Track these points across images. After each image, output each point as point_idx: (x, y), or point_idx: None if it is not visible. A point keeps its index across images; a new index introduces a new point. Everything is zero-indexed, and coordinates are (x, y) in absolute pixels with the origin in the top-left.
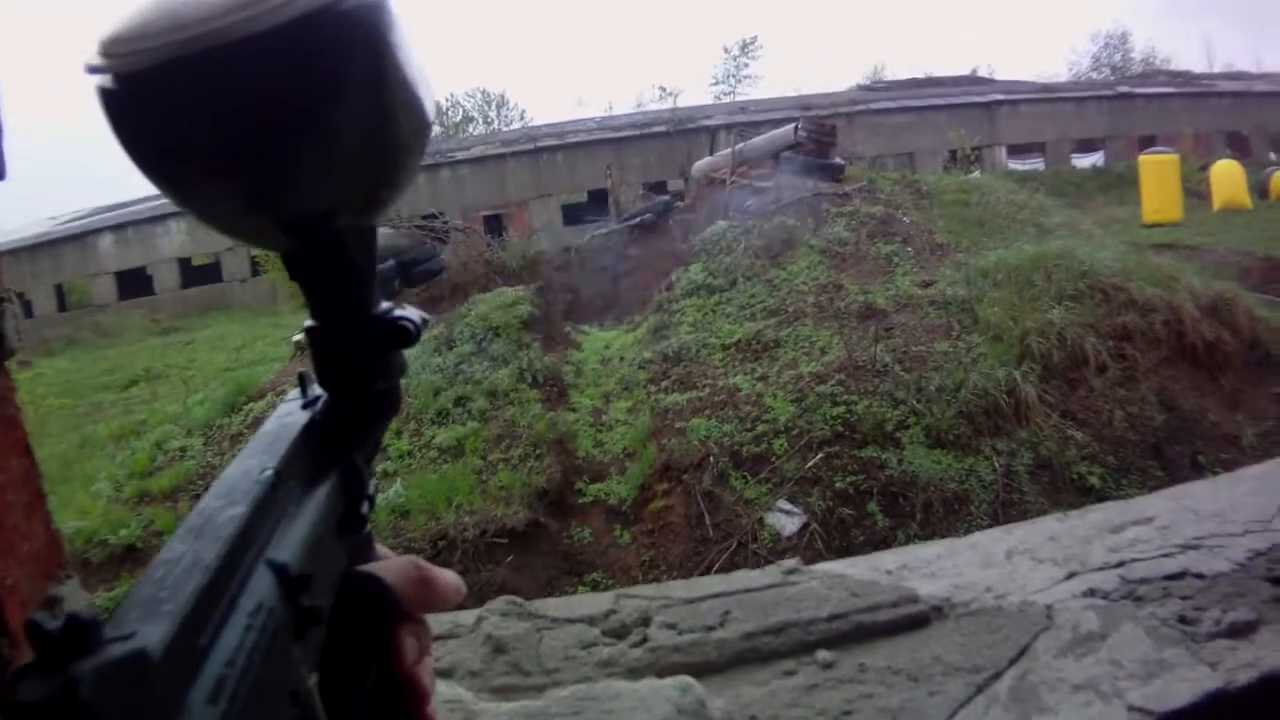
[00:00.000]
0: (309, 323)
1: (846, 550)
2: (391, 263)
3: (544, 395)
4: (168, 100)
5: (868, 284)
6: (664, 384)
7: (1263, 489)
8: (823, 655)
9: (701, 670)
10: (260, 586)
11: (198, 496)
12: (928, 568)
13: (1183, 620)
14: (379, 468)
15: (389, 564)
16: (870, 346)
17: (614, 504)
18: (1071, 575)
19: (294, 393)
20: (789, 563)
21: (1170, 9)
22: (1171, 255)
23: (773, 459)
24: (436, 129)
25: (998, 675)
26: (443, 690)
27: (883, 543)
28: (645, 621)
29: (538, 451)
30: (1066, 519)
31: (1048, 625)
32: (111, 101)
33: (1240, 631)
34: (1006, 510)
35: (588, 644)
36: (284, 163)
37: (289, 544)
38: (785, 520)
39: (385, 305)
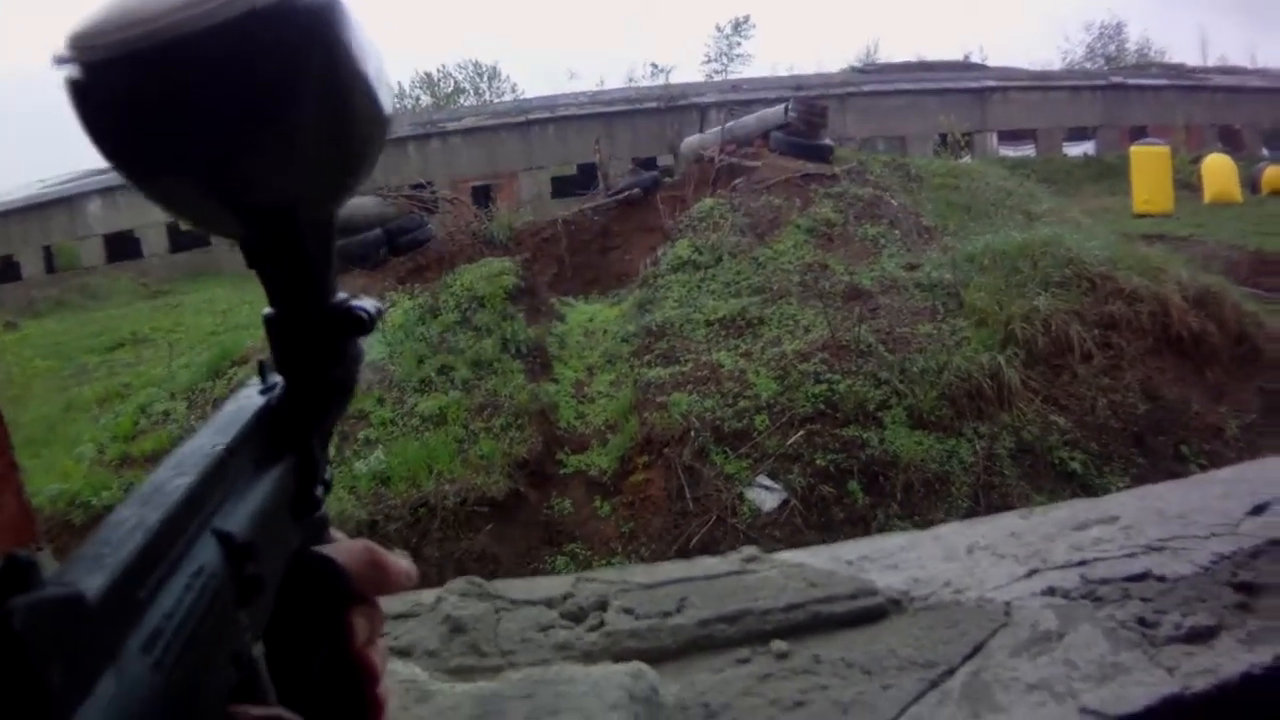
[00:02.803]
0: (267, 310)
1: (826, 527)
2: (379, 231)
3: (527, 366)
4: (128, 91)
5: (854, 265)
6: (647, 358)
7: (1231, 492)
8: (777, 645)
9: (656, 656)
10: (204, 552)
11: None
12: (889, 559)
13: (1142, 623)
14: (360, 434)
15: (341, 546)
16: (854, 327)
17: (594, 476)
18: (1032, 573)
19: (254, 379)
20: (749, 550)
21: (1166, 1)
22: (1161, 246)
23: (754, 435)
24: (427, 99)
25: (951, 671)
26: (399, 669)
27: (862, 521)
28: (603, 606)
29: (519, 422)
30: (1031, 515)
31: (1005, 623)
32: (76, 92)
33: (1200, 636)
34: (987, 493)
35: (545, 626)
36: (240, 154)
37: (236, 516)
38: (765, 496)
39: (342, 295)
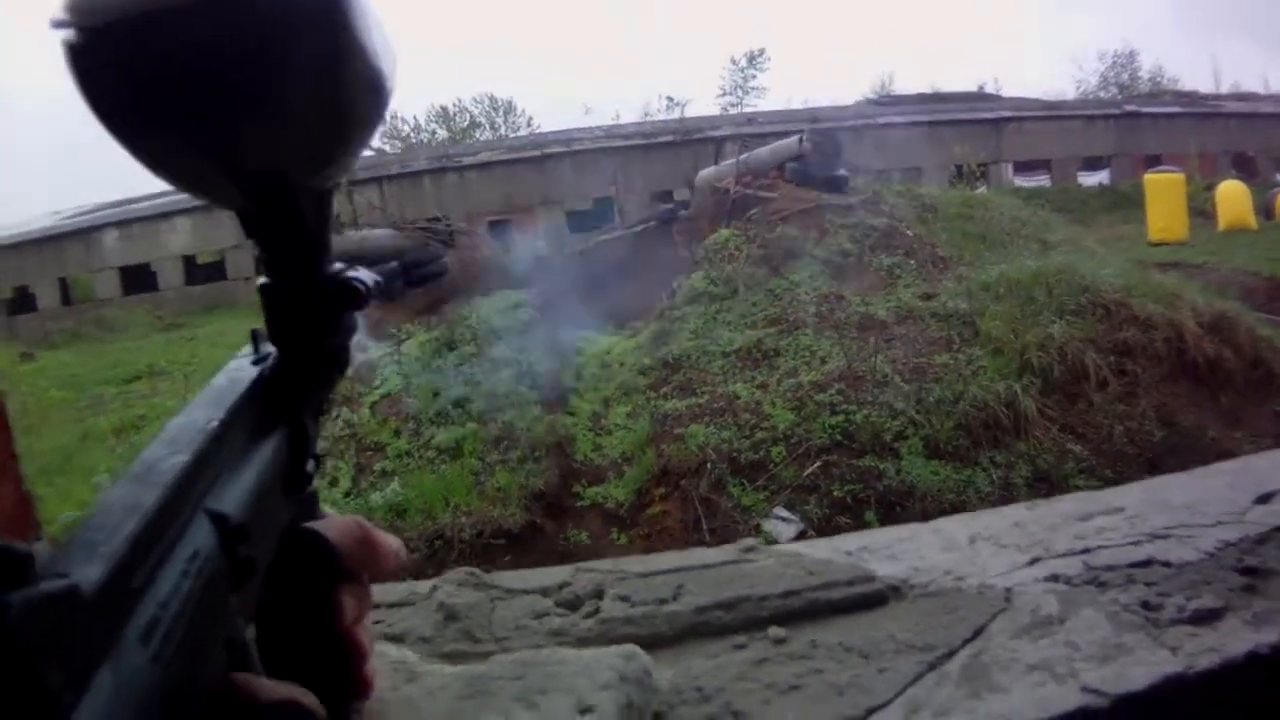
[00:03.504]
0: (262, 280)
1: None
2: (395, 264)
3: (543, 399)
4: (128, 54)
5: (869, 295)
6: (664, 390)
7: (1238, 482)
8: (774, 631)
9: (652, 642)
10: (198, 534)
11: None
12: (888, 550)
13: (1146, 606)
14: (377, 466)
15: (333, 522)
16: (870, 357)
17: (611, 508)
18: (1035, 561)
19: (246, 349)
20: (747, 541)
21: (1179, 29)
22: (1176, 274)
23: (771, 466)
24: (443, 134)
25: (951, 654)
26: (391, 653)
27: None
28: (599, 594)
29: (536, 454)
30: (1035, 507)
31: (1005, 607)
32: (75, 55)
33: (1204, 618)
34: None
35: (540, 614)
36: (239, 120)
37: (230, 494)
38: (782, 527)
39: (338, 266)
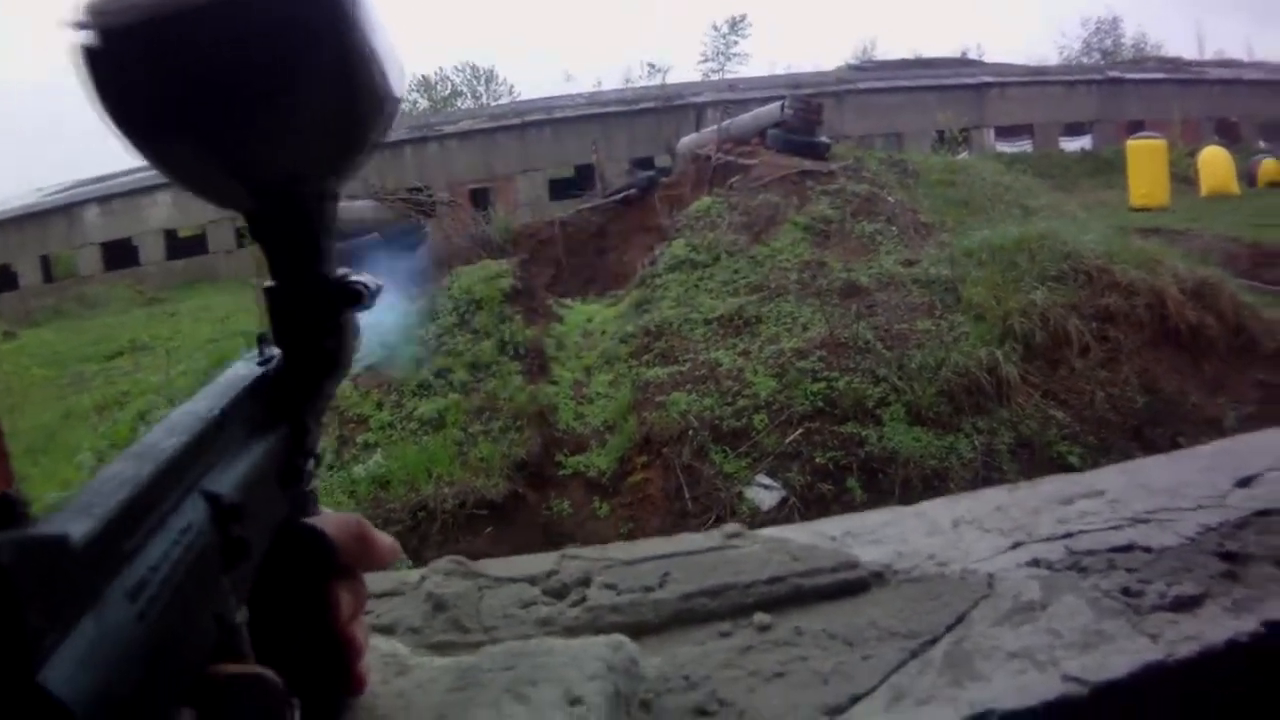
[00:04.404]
0: (267, 283)
1: None
2: (375, 235)
3: (525, 368)
4: (143, 58)
5: (851, 262)
6: (645, 358)
7: (1218, 465)
8: (759, 618)
9: (638, 630)
10: (191, 510)
11: None
12: (871, 535)
13: (1126, 592)
14: (359, 438)
15: (330, 518)
16: (852, 324)
17: (593, 476)
18: (1017, 545)
19: (251, 350)
20: (732, 526)
21: None
22: (1158, 239)
23: (753, 433)
24: (424, 103)
25: (934, 641)
26: (381, 645)
27: None
28: (585, 582)
29: (518, 424)
30: (1017, 490)
31: (988, 594)
32: (91, 58)
33: (1184, 605)
34: (987, 488)
35: (527, 603)
36: (250, 125)
37: (226, 479)
38: (764, 494)
39: (341, 270)
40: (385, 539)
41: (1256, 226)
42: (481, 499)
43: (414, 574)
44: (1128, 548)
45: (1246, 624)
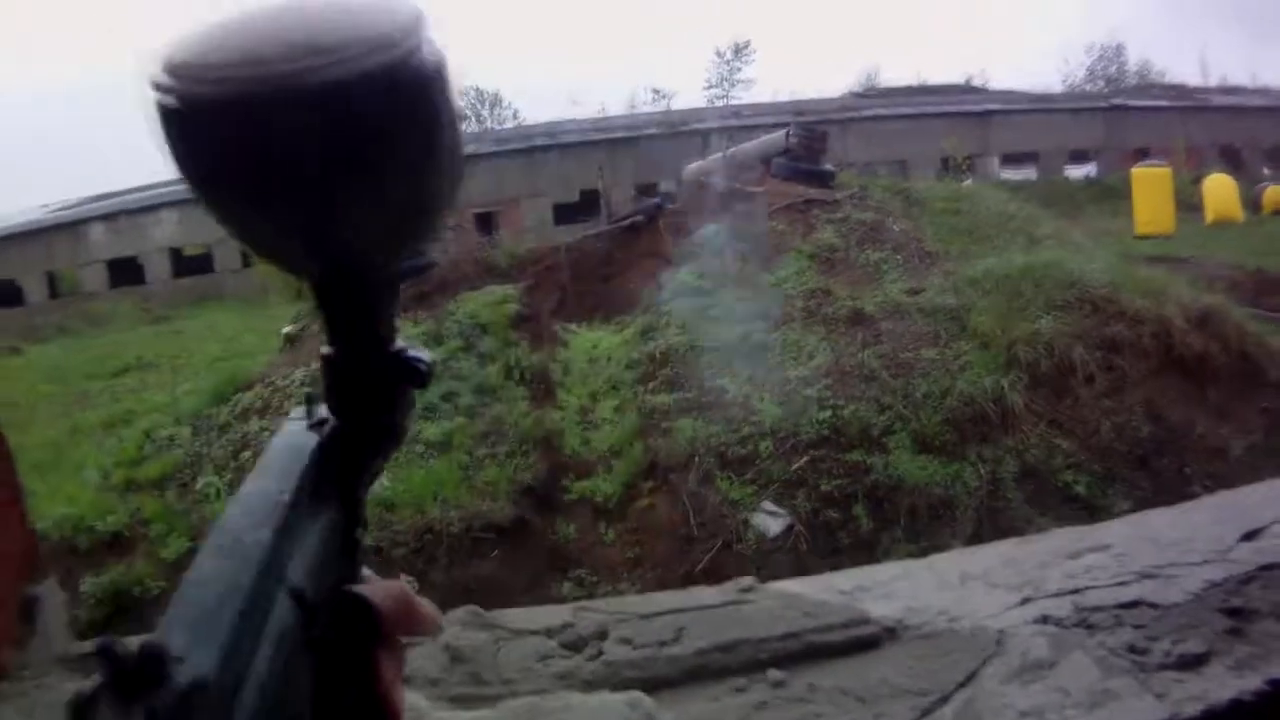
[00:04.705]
0: (325, 349)
1: (831, 552)
2: None
3: (531, 393)
4: (231, 131)
5: (856, 290)
6: (651, 384)
7: (1224, 517)
8: (773, 674)
9: (655, 685)
10: (282, 613)
11: (184, 485)
12: (883, 589)
13: (1133, 650)
14: None
15: (378, 586)
16: (858, 352)
17: (600, 502)
18: (1025, 601)
19: (298, 411)
20: (746, 580)
21: (1166, 20)
22: (1163, 267)
23: (758, 460)
24: None
25: (945, 699)
26: None
27: (867, 546)
28: (602, 635)
29: (524, 448)
30: (1025, 543)
31: (997, 651)
32: (174, 123)
33: (1190, 663)
34: (991, 517)
35: (545, 655)
36: (331, 204)
37: (304, 570)
38: (770, 521)
39: (400, 344)
40: (428, 608)
41: (1260, 254)
42: (488, 523)
43: None
44: (1134, 604)
45: (1250, 682)
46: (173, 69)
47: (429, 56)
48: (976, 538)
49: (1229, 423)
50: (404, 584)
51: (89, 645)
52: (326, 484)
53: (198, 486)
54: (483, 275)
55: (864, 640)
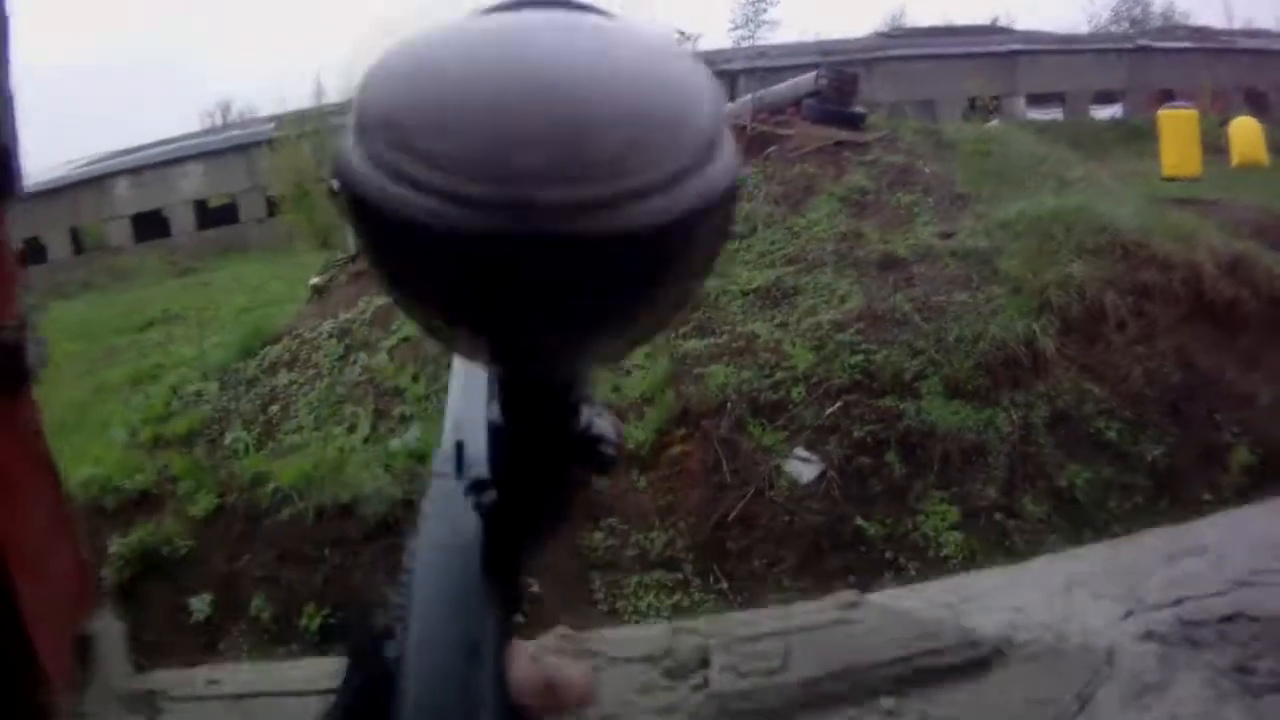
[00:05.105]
0: (493, 416)
1: (864, 499)
2: None
3: None
4: (484, 266)
5: (888, 233)
6: (683, 330)
7: None
8: (885, 702)
9: (764, 718)
10: None
11: (212, 441)
12: (985, 600)
13: (1240, 670)
14: (395, 411)
15: (518, 670)
16: (890, 296)
17: (631, 449)
18: (1129, 614)
19: (444, 458)
20: (848, 595)
21: None
22: (1191, 210)
23: (791, 406)
24: None
25: None
26: None
27: (900, 493)
28: (704, 662)
29: None
30: (1122, 545)
31: (1108, 672)
32: (400, 233)
33: None
34: (1024, 463)
35: (646, 687)
36: (568, 342)
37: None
38: (803, 468)
39: (585, 416)
40: (576, 681)
41: None
42: None
43: None
44: (1235, 617)
45: None
46: (417, 159)
47: (732, 164)
48: (1009, 485)
49: (1259, 369)
50: (548, 670)
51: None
52: (496, 571)
53: (226, 442)
54: None
55: (975, 662)
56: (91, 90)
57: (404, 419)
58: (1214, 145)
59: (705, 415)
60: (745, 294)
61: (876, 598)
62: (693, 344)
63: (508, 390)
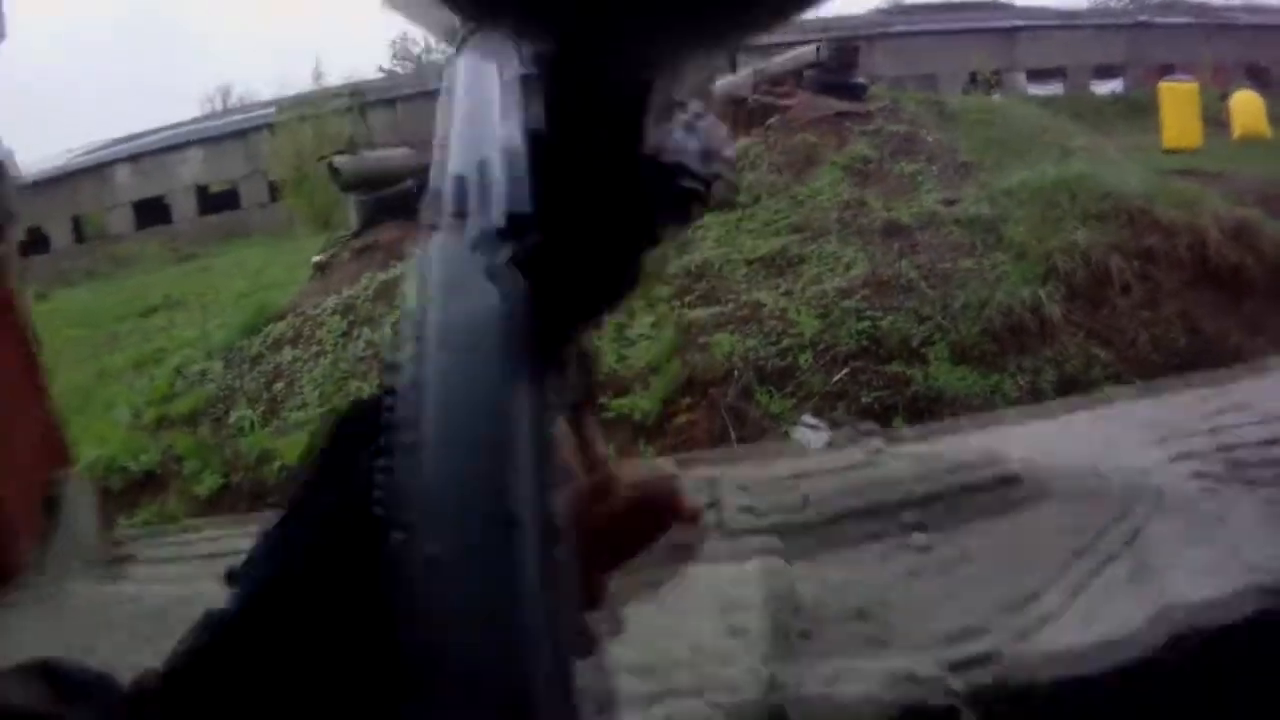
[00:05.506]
0: (534, 125)
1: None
2: (410, 183)
3: None
4: None
5: (892, 201)
6: (688, 299)
7: None
8: (918, 538)
9: (786, 555)
10: None
11: (217, 420)
12: (1020, 444)
13: None
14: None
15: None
16: (895, 263)
17: (638, 419)
18: (1177, 457)
19: (438, 203)
20: (874, 442)
21: None
22: (1193, 180)
23: (798, 374)
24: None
25: (1111, 559)
26: None
27: None
28: (713, 502)
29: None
30: (1160, 400)
31: (1158, 505)
32: None
33: None
34: None
35: None
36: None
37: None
38: (811, 435)
39: (670, 134)
40: (680, 496)
41: None
42: None
43: None
44: None
45: None
46: None
47: None
48: None
49: (1264, 334)
50: (641, 483)
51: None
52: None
53: (231, 420)
54: None
55: (1013, 500)
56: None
57: None
58: (1215, 119)
59: (712, 384)
60: (750, 263)
61: (904, 447)
62: (698, 313)
63: (563, 82)
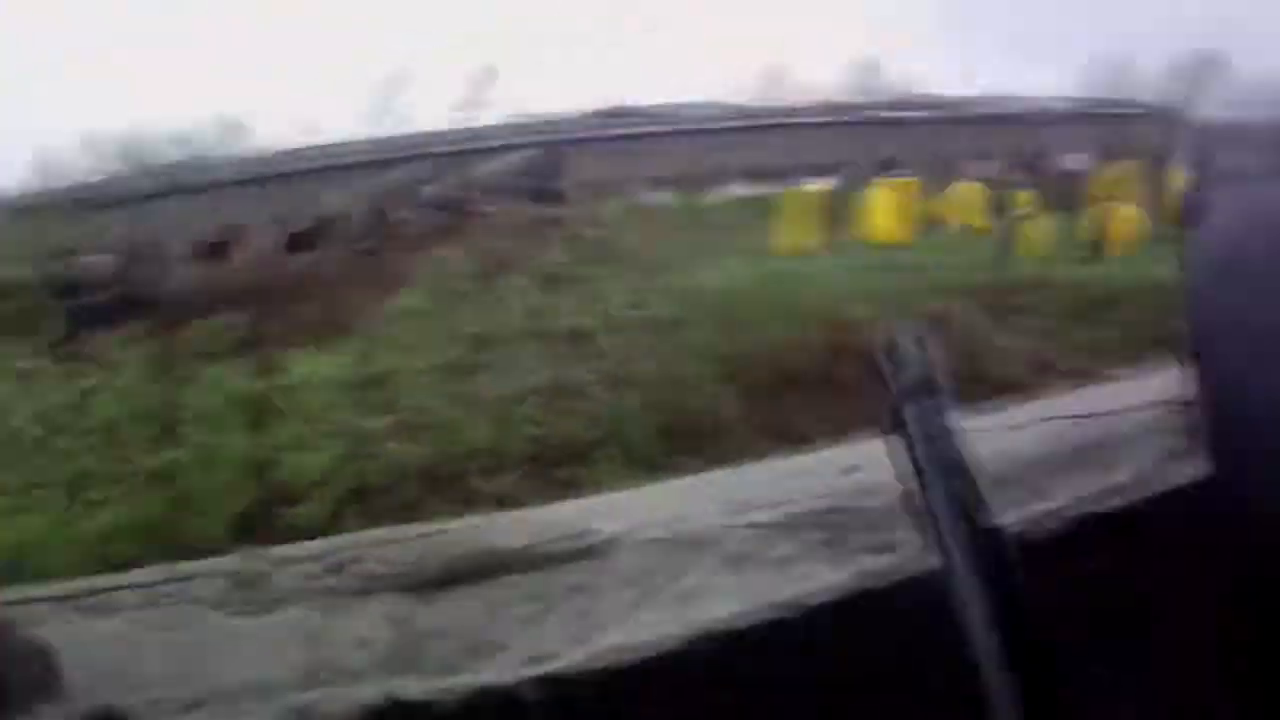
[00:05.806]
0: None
1: None
2: (114, 290)
3: (250, 419)
4: None
5: (579, 306)
6: (365, 408)
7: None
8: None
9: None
10: None
11: None
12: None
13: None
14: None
15: None
16: (574, 368)
17: (309, 528)
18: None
19: None
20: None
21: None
22: (896, 276)
23: (467, 479)
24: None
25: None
26: None
27: None
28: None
29: (238, 476)
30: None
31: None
32: None
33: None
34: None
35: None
36: None
37: None
38: None
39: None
40: None
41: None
42: (195, 551)
43: None
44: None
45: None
46: None
47: None
48: None
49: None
50: None
51: None
52: None
53: None
54: (213, 304)
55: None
56: None
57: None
58: (934, 215)
59: (379, 493)
60: (428, 371)
61: (499, 515)
62: (372, 422)
63: None
